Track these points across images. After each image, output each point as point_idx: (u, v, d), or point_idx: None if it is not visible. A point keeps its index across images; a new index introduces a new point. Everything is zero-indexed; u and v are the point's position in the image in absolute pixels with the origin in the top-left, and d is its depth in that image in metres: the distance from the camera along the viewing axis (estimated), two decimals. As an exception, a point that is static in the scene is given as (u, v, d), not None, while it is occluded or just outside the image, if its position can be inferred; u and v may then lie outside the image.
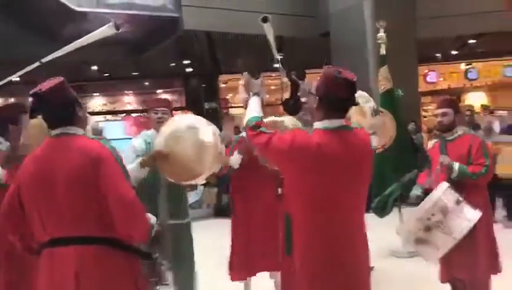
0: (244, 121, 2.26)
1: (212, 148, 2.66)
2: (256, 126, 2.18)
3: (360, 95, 2.97)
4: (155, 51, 10.63)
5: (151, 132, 3.24)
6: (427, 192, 3.21)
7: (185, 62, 12.70)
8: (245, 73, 2.48)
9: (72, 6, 8.21)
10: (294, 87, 2.49)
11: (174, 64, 12.74)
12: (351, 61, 8.88)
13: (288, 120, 3.28)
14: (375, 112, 4.24)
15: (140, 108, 13.49)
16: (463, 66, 13.66)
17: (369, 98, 4.24)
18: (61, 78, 1.98)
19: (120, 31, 2.68)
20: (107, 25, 2.69)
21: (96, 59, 10.96)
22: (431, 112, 10.90)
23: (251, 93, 2.45)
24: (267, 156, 2.32)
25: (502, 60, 13.25)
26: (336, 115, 2.08)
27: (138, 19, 9.09)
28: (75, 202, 1.85)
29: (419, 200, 3.23)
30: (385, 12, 8.13)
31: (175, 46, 11.00)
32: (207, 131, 2.70)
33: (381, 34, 5.71)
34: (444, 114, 3.34)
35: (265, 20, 2.73)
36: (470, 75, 13.66)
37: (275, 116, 3.37)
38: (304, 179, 2.05)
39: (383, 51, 5.72)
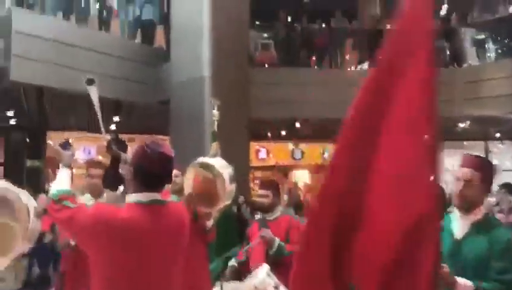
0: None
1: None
2: (59, 200, 2.02)
3: (219, 163, 2.99)
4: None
5: None
6: (243, 268, 3.25)
7: (9, 114, 11.61)
8: (50, 143, 2.31)
9: None
10: (115, 159, 2.36)
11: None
12: (189, 131, 9.06)
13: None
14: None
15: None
16: (290, 145, 14.80)
17: (227, 165, 4.24)
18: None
19: None
20: None
21: None
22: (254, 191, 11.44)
23: (60, 165, 2.27)
24: (70, 233, 2.17)
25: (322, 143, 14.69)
26: (150, 189, 2.02)
27: None
28: None
29: (233, 273, 3.25)
30: (221, 90, 8.60)
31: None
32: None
33: (215, 111, 5.93)
34: (264, 196, 3.52)
35: (90, 82, 2.64)
36: (295, 155, 14.82)
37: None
38: (110, 258, 1.90)
39: (215, 128, 5.92)
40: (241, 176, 9.31)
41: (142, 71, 10.20)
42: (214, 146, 6.07)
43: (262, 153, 14.02)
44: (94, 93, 2.68)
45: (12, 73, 8.38)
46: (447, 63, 11.39)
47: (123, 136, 13.26)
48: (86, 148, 13.34)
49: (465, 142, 14.13)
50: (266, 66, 11.20)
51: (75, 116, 11.17)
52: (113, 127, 10.92)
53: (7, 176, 12.12)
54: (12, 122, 11.94)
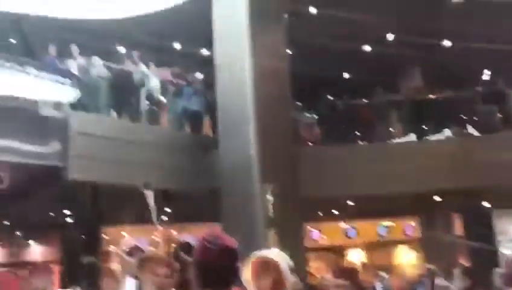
0: None
1: None
2: None
3: (277, 254, 2.84)
4: (32, 198, 9.92)
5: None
6: None
7: (65, 212, 11.95)
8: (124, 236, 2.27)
9: None
10: (184, 266, 2.27)
11: (51, 213, 11.92)
12: (241, 217, 8.98)
13: None
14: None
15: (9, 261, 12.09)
16: (343, 224, 14.44)
17: (284, 255, 4.09)
18: None
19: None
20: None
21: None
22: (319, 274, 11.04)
23: (125, 274, 2.15)
24: None
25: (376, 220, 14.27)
26: (214, 286, 1.85)
27: (16, 166, 8.56)
28: None
29: None
30: (270, 173, 8.62)
31: (55, 194, 10.38)
32: None
33: (269, 196, 5.91)
34: (341, 286, 3.32)
35: (147, 186, 2.67)
36: (349, 234, 14.40)
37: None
38: None
39: (271, 213, 5.87)
40: (297, 260, 9.07)
41: (192, 160, 10.39)
42: (272, 236, 6.01)
43: (315, 234, 13.71)
44: (150, 196, 2.70)
45: (70, 172, 8.70)
46: (498, 127, 11.15)
47: (175, 226, 13.34)
48: (138, 239, 13.38)
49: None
50: (311, 144, 11.25)
51: (129, 210, 11.36)
52: (164, 217, 11.01)
53: (64, 273, 12.24)
54: (68, 219, 12.27)
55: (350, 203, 11.62)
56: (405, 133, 12.22)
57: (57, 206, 11.48)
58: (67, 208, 11.79)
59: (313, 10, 11.40)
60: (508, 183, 10.65)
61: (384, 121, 11.89)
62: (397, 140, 12.15)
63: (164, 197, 10.62)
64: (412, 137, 11.90)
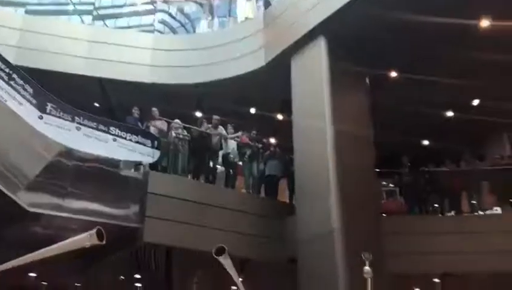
0: None
1: None
2: None
3: None
4: (106, 261, 9.75)
5: None
6: None
7: (136, 276, 11.68)
8: None
9: (25, 206, 7.56)
10: None
11: (124, 277, 11.69)
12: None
13: None
14: None
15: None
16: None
17: None
18: None
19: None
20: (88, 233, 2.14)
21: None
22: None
23: None
24: None
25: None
26: None
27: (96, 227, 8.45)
28: None
29: None
30: (353, 245, 7.98)
31: (129, 257, 10.17)
32: None
33: (367, 267, 5.34)
34: None
35: (220, 252, 2.30)
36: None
37: None
38: None
39: (370, 287, 5.28)
40: None
41: (268, 226, 9.95)
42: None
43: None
44: (227, 261, 2.34)
45: (145, 234, 8.49)
46: None
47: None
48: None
49: None
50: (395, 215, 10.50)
51: (203, 276, 10.95)
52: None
53: None
54: (138, 284, 11.97)
55: (437, 280, 10.59)
56: (497, 205, 11.24)
57: (130, 269, 11.25)
58: (139, 272, 11.52)
59: (394, 74, 11.03)
60: None
61: (476, 191, 10.99)
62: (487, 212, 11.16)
63: (239, 265, 10.17)
64: (499, 210, 10.94)
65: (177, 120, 10.15)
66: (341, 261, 8.41)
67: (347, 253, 8.42)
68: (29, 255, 2.25)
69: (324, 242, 8.82)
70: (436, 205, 10.97)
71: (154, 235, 8.62)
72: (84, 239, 2.10)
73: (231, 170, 10.28)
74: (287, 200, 10.85)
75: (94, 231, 2.11)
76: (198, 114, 11.43)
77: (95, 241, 2.06)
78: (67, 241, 2.20)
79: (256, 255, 9.79)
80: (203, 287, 10.95)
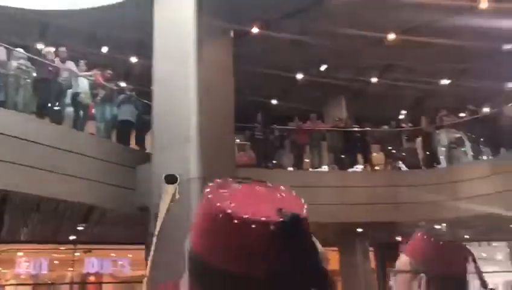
0: None
1: None
2: None
3: None
4: None
5: None
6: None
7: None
8: None
9: None
10: None
11: None
12: (173, 241, 8.23)
13: None
14: None
15: None
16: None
17: None
18: None
19: None
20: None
21: None
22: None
23: None
24: None
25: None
26: None
27: None
28: None
29: None
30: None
31: None
32: None
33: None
34: None
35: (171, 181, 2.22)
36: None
37: None
38: None
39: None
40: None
41: (118, 174, 9.42)
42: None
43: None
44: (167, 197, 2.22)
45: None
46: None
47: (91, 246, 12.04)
48: (37, 260, 11.91)
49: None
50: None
51: (32, 226, 10.01)
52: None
53: None
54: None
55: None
56: (329, 164, 12.33)
57: None
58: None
59: (255, 30, 11.15)
60: (423, 219, 11.15)
61: (315, 149, 11.87)
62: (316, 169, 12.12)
63: (84, 212, 9.53)
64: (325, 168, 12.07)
65: (19, 49, 8.85)
66: (196, 209, 8.40)
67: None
68: None
69: (180, 190, 8.68)
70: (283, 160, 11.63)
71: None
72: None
73: (81, 111, 9.40)
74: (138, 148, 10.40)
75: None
76: (43, 46, 10.12)
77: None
78: None
79: (104, 203, 9.27)
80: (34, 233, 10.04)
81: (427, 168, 11.66)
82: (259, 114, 11.46)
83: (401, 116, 14.22)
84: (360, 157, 12.32)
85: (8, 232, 10.24)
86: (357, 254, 12.81)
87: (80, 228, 10.42)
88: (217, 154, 9.03)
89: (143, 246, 9.19)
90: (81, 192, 8.82)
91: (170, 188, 2.03)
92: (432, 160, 11.55)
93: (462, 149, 11.21)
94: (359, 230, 12.43)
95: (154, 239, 2.60)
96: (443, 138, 11.31)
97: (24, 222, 10.06)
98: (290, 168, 11.84)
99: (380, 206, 11.31)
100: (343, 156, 12.16)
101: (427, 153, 11.65)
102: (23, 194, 8.46)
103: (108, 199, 9.24)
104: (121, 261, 12.97)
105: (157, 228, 2.28)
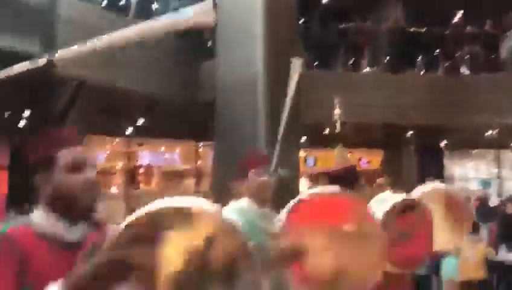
0: None
1: None
2: None
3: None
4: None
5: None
6: None
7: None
8: None
9: None
10: None
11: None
12: (239, 136, 8.44)
13: None
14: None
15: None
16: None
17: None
18: None
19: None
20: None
21: None
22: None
23: None
24: None
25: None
26: None
27: None
28: None
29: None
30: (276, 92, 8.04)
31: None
32: None
33: (337, 110, 5.45)
34: None
35: None
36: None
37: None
38: None
39: (338, 128, 5.46)
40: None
41: (184, 67, 9.53)
42: (340, 150, 5.57)
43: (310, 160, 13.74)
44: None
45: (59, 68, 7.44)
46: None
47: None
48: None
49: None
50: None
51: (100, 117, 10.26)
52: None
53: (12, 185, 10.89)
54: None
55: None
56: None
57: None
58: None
59: None
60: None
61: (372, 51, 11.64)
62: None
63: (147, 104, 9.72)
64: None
65: None
66: (263, 107, 8.53)
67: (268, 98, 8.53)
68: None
69: (245, 86, 8.74)
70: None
71: (67, 68, 7.60)
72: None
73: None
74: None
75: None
76: None
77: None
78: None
79: (168, 95, 9.47)
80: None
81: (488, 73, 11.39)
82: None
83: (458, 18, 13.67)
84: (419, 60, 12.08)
85: (73, 122, 10.53)
86: (403, 157, 13.00)
87: (137, 123, 10.67)
88: (282, 51, 8.94)
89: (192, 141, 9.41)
90: (144, 83, 8.99)
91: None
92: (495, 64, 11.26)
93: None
94: (408, 134, 12.47)
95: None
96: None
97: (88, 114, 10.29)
98: (346, 70, 11.71)
99: (434, 110, 11.23)
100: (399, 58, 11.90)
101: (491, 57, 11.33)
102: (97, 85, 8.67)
103: (172, 92, 9.41)
104: (170, 155, 13.54)
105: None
